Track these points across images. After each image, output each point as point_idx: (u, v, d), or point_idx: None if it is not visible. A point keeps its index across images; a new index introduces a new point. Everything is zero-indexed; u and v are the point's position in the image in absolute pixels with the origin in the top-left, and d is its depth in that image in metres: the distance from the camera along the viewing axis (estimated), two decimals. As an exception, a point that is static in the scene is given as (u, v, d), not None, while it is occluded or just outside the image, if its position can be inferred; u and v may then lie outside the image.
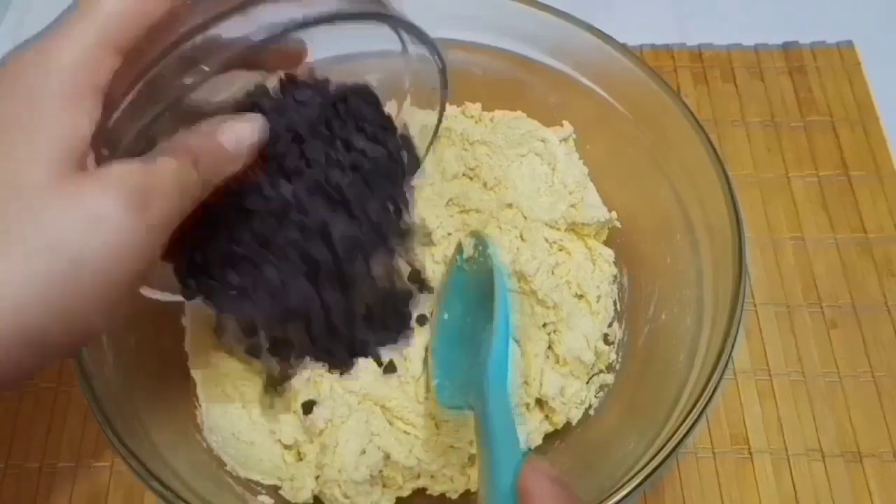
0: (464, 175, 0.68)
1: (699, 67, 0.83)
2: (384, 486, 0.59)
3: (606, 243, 0.67)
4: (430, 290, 0.61)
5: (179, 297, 0.46)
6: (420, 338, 0.61)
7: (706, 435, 0.65)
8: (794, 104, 0.81)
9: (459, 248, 0.62)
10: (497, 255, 0.59)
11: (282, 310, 0.43)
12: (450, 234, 0.66)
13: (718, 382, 0.51)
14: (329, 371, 0.54)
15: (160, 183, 0.36)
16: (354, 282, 0.45)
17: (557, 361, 0.63)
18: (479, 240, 0.61)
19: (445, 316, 0.61)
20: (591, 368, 0.63)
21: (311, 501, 0.58)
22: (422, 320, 0.61)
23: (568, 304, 0.63)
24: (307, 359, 0.49)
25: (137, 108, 0.38)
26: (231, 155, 0.40)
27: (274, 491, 0.59)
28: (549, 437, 0.62)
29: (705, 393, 0.51)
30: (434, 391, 0.58)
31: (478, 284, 0.59)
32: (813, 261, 0.73)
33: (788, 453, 0.65)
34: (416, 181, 0.51)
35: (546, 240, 0.65)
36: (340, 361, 0.48)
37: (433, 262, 0.64)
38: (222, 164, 0.40)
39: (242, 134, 0.41)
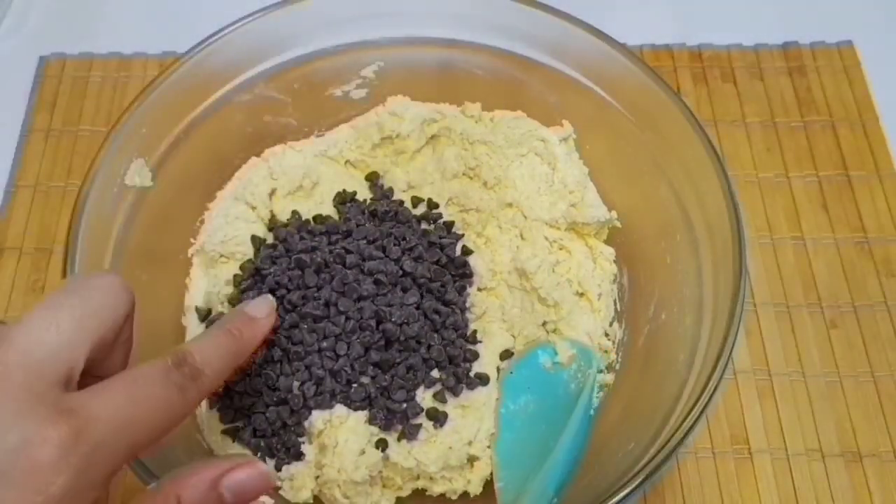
0: (464, 174, 0.69)
1: (699, 67, 0.83)
2: (384, 486, 0.59)
3: (606, 243, 0.67)
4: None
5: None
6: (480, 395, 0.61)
7: (706, 435, 0.65)
8: (794, 104, 0.81)
9: (544, 344, 0.63)
10: (594, 377, 0.61)
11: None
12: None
13: (718, 382, 0.51)
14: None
15: (215, 357, 0.47)
16: None
17: (558, 361, 0.63)
18: (584, 355, 0.62)
19: (511, 406, 0.61)
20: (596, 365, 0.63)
21: (311, 501, 0.58)
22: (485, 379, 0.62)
23: (568, 302, 0.63)
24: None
25: None
26: (255, 320, 0.52)
27: (274, 491, 0.58)
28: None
29: (705, 393, 0.51)
30: (498, 493, 0.58)
31: (554, 390, 0.60)
32: (813, 261, 0.73)
33: (788, 453, 0.65)
34: None
35: (546, 239, 0.65)
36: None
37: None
38: (255, 329, 0.52)
39: (262, 306, 0.54)
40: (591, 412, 0.60)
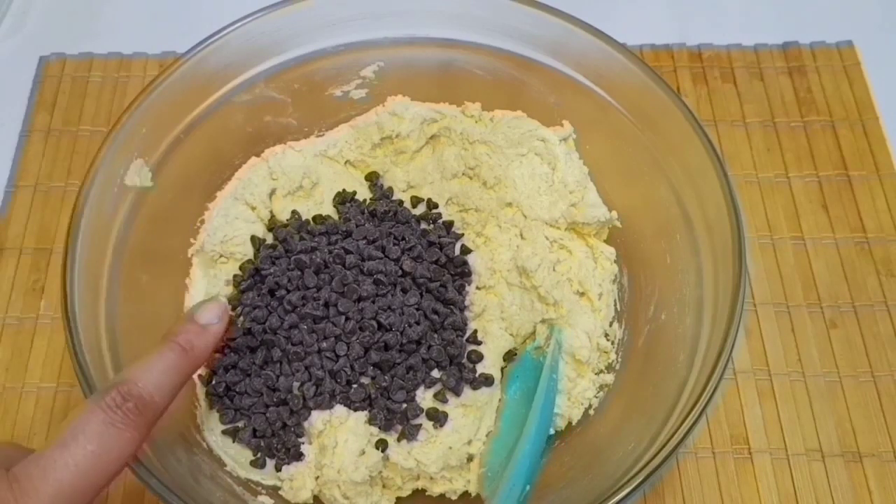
0: (463, 174, 0.69)
1: (699, 67, 0.83)
2: (384, 486, 0.59)
3: (606, 243, 0.67)
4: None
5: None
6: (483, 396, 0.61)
7: (706, 435, 0.65)
8: (794, 104, 0.81)
9: (535, 334, 0.64)
10: (556, 353, 0.61)
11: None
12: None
13: (718, 382, 0.51)
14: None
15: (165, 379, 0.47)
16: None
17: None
18: (551, 332, 0.62)
19: (506, 397, 0.61)
20: (595, 366, 0.63)
21: (311, 501, 0.58)
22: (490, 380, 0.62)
23: (568, 301, 0.63)
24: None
25: None
26: (207, 328, 0.52)
27: (274, 491, 0.59)
28: (549, 438, 0.62)
29: (705, 393, 0.51)
30: (481, 478, 0.58)
31: (535, 374, 0.61)
32: (813, 261, 0.73)
33: (788, 453, 0.65)
34: None
35: (546, 238, 0.65)
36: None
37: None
38: (206, 339, 0.51)
39: (212, 311, 0.52)
40: (556, 381, 0.60)
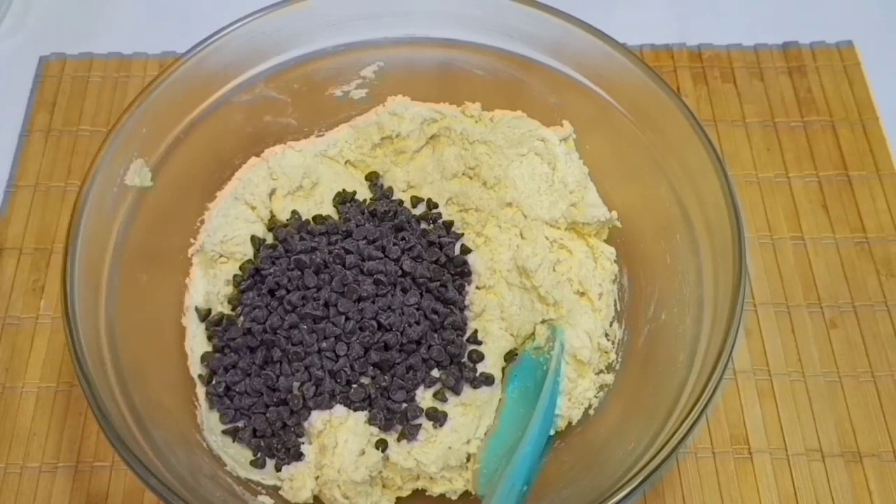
0: (463, 174, 0.69)
1: (699, 67, 0.83)
2: (384, 486, 0.59)
3: (606, 243, 0.67)
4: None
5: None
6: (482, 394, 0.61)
7: (706, 435, 0.65)
8: (794, 104, 0.81)
9: (534, 335, 0.64)
10: (560, 355, 0.61)
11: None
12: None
13: (718, 382, 0.51)
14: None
15: None
16: None
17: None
18: (553, 333, 0.62)
19: (505, 396, 0.62)
20: (595, 366, 0.63)
21: (311, 501, 0.58)
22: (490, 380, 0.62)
23: (569, 300, 0.63)
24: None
25: None
26: None
27: (274, 491, 0.59)
28: (549, 438, 0.62)
29: (705, 393, 0.51)
30: (475, 473, 0.58)
31: (534, 373, 0.61)
32: (813, 261, 0.73)
33: (788, 453, 0.65)
34: None
35: (546, 238, 0.66)
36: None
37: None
38: None
39: None
40: (559, 384, 0.61)
